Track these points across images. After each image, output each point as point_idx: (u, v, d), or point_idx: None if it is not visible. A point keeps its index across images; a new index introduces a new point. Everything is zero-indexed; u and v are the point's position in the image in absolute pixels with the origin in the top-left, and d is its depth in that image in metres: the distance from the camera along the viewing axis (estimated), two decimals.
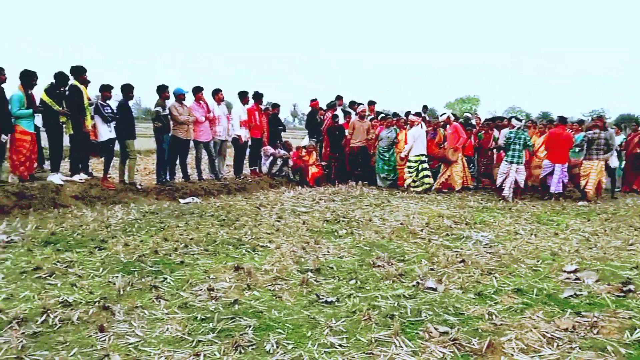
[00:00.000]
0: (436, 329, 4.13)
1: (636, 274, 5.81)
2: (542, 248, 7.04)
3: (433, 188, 12.84)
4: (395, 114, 14.87)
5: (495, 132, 13.65)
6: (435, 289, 5.18)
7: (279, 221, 8.32)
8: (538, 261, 6.33)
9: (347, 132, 13.99)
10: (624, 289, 5.22)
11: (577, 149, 12.13)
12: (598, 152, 11.77)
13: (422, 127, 12.94)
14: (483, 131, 13.99)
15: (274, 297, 4.88)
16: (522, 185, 12.04)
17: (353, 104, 15.18)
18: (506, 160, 11.86)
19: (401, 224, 8.42)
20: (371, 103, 15.38)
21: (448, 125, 13.17)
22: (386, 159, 13.43)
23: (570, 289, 5.22)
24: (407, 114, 13.98)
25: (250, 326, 4.13)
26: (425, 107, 16.46)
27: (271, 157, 13.39)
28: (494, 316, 4.45)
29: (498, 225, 8.58)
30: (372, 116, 14.64)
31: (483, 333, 4.09)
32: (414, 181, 12.79)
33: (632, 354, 3.77)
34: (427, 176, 12.76)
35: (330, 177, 14.10)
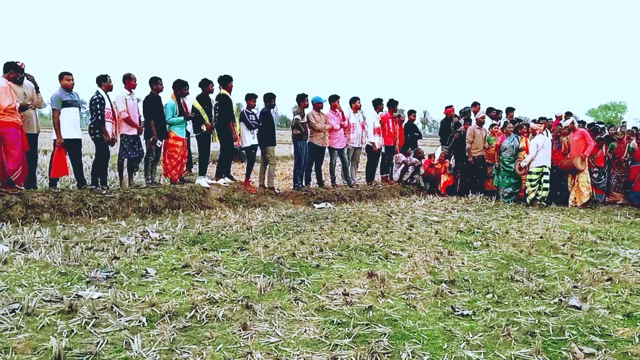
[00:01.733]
0: (581, 349, 3.92)
1: None
2: None
3: (570, 205, 11.82)
4: (534, 121, 14.09)
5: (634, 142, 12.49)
6: (579, 308, 4.91)
7: (410, 229, 8.30)
8: None
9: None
10: None
11: None
12: None
13: (547, 135, 11.94)
14: (616, 140, 12.87)
15: (408, 306, 4.88)
16: None
17: (490, 111, 14.49)
18: None
19: (541, 237, 8.07)
20: (510, 110, 14.56)
21: (572, 132, 12.07)
22: (512, 170, 12.22)
23: None
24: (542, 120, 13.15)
25: (385, 334, 4.16)
26: (568, 114, 15.55)
27: (402, 165, 13.38)
28: None
29: None
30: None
31: (634, 357, 3.82)
32: (537, 195, 11.82)
33: None
34: (545, 189, 11.78)
35: (456, 188, 13.56)
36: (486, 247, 7.33)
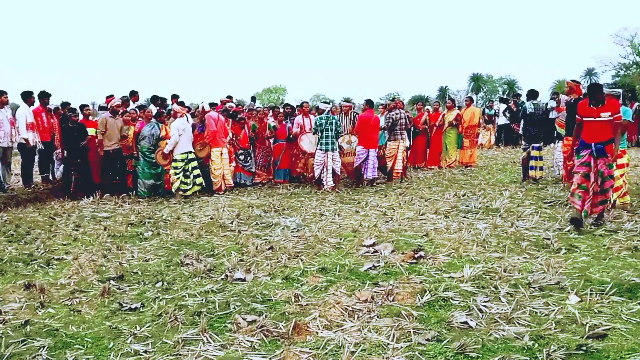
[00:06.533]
0: (244, 318, 4.13)
1: (426, 241, 6.37)
2: (345, 226, 7.40)
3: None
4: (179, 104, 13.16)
5: (271, 120, 12.96)
6: (244, 279, 5.18)
7: (76, 230, 7.71)
8: (341, 239, 6.65)
9: (95, 131, 11.51)
10: (416, 256, 5.69)
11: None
12: (402, 133, 12.30)
13: (188, 120, 11.13)
14: (257, 120, 12.79)
15: (72, 312, 4.53)
16: (338, 173, 11.46)
17: (155, 100, 13.99)
18: (320, 149, 11.13)
19: (211, 218, 8.31)
20: (175, 97, 14.23)
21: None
22: (153, 160, 10.88)
23: (369, 262, 5.56)
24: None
25: (44, 347, 3.78)
26: (229, 97, 16.11)
27: (64, 161, 12.32)
28: (300, 297, 4.57)
29: (305, 209, 8.85)
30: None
31: (290, 316, 4.18)
32: (183, 183, 10.68)
33: (423, 315, 4.11)
34: (198, 176, 10.82)
35: (68, 190, 11.06)
36: (157, 236, 7.25)
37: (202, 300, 4.62)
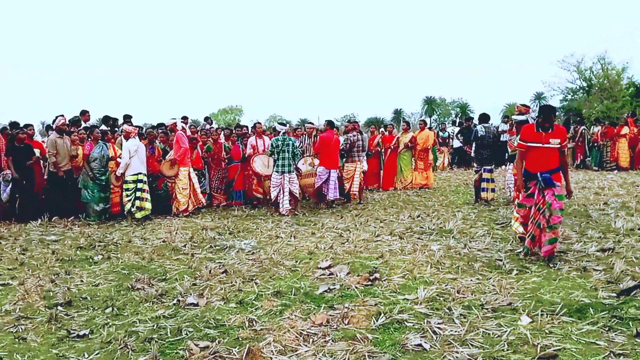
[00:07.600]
0: (197, 345, 4.04)
1: (381, 263, 6.39)
2: (301, 248, 7.36)
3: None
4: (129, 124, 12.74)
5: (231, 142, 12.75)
6: (196, 304, 5.08)
7: (23, 254, 7.45)
8: (297, 261, 6.61)
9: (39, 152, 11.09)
10: (371, 277, 5.70)
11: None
12: (359, 154, 12.32)
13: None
14: (211, 141, 12.59)
15: (17, 340, 4.35)
16: (297, 195, 11.17)
17: (107, 120, 13.52)
18: (277, 171, 10.80)
19: (163, 241, 8.15)
20: (127, 117, 13.78)
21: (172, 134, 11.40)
22: (104, 183, 10.62)
23: (325, 284, 5.53)
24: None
25: None
26: (207, 119, 16.17)
27: (11, 183, 11.94)
28: (254, 322, 4.51)
29: (260, 231, 8.77)
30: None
31: (243, 341, 4.11)
32: (133, 206, 10.39)
33: (377, 338, 4.10)
34: (142, 199, 10.41)
35: (14, 213, 10.71)
36: (107, 260, 7.06)
37: (154, 326, 4.50)
